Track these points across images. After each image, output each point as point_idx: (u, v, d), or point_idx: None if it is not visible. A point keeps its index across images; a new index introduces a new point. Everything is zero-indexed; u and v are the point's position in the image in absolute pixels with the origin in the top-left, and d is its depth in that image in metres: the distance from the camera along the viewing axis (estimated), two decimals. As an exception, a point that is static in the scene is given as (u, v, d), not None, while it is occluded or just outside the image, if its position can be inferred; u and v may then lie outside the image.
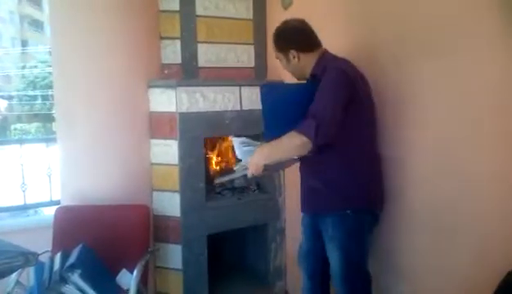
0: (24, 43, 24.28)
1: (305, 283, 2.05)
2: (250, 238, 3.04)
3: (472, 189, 1.54)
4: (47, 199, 2.71)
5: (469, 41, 1.50)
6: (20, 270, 1.86)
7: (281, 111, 1.78)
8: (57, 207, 2.40)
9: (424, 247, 1.77)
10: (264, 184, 2.84)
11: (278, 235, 2.85)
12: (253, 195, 2.81)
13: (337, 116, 1.62)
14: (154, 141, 2.57)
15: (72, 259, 1.87)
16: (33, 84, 21.02)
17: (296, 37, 1.80)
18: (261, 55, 2.87)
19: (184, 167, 2.49)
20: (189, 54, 2.62)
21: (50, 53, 2.61)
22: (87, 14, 2.36)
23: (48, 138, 3.30)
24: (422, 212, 1.77)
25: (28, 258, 1.77)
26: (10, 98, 22.11)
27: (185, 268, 2.54)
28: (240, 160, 1.90)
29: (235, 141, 1.92)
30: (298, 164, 1.95)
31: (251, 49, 2.84)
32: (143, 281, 2.16)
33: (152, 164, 2.59)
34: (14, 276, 1.90)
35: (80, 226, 2.25)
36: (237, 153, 1.92)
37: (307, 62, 1.80)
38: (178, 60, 2.61)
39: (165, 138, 2.52)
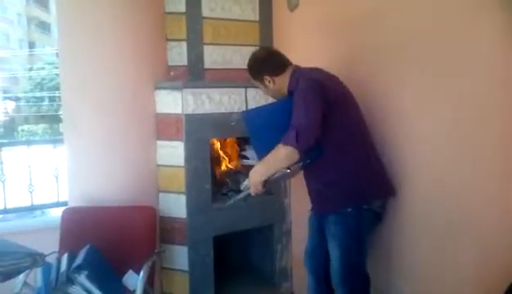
0: (31, 45, 24.51)
1: (310, 281, 2.12)
2: (256, 240, 3.03)
3: (472, 189, 1.54)
4: (54, 200, 2.73)
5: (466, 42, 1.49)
6: (27, 271, 1.88)
7: (266, 132, 1.90)
8: (64, 208, 2.41)
9: (425, 248, 1.78)
10: (270, 185, 2.82)
11: (284, 236, 2.84)
12: (259, 197, 2.78)
13: (314, 119, 1.72)
14: (160, 143, 2.58)
15: (79, 260, 1.89)
16: (40, 86, 21.22)
17: (266, 64, 1.96)
18: (267, 57, 2.86)
19: (190, 168, 2.50)
20: (195, 55, 2.62)
21: (57, 55, 2.62)
22: (94, 16, 2.38)
23: (55, 139, 3.31)
24: (422, 212, 1.78)
25: (35, 259, 1.78)
26: (17, 99, 22.32)
27: (191, 269, 2.54)
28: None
29: None
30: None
31: (257, 51, 2.84)
32: (149, 282, 2.16)
33: (158, 165, 2.59)
34: (21, 277, 1.91)
35: (87, 227, 2.26)
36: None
37: (282, 82, 1.93)
38: (184, 62, 2.61)
39: (171, 139, 2.53)
